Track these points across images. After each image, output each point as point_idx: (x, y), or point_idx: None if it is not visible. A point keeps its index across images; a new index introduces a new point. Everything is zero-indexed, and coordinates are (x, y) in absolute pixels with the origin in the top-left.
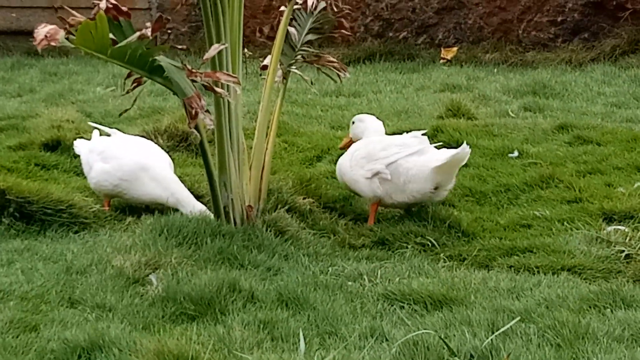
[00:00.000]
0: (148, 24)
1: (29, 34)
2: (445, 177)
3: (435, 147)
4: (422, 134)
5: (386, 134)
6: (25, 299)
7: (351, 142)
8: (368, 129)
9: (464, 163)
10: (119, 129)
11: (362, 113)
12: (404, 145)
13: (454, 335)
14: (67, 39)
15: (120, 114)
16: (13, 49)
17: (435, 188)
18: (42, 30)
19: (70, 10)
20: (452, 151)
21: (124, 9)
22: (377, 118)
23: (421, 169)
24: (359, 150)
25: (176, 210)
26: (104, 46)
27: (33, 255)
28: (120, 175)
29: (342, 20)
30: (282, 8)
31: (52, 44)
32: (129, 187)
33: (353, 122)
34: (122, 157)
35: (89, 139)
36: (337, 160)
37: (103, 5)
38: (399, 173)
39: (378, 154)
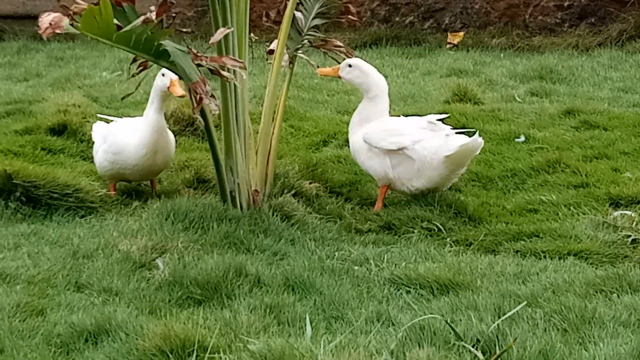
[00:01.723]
0: (152, 8)
1: (36, 18)
2: (457, 166)
3: (455, 131)
4: (440, 119)
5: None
6: (31, 283)
7: (336, 75)
8: (373, 86)
9: (476, 153)
10: (125, 114)
11: None
12: (423, 128)
13: (461, 320)
14: (71, 25)
15: (122, 98)
16: (19, 33)
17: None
18: (47, 19)
19: None
20: (463, 140)
21: None
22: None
23: (434, 156)
24: (379, 125)
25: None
26: (109, 31)
27: (39, 240)
28: (114, 149)
29: (349, 5)
30: None
31: (57, 31)
32: (125, 161)
33: (350, 66)
34: (116, 133)
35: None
36: (344, 144)
37: None
38: (413, 159)
39: (402, 130)
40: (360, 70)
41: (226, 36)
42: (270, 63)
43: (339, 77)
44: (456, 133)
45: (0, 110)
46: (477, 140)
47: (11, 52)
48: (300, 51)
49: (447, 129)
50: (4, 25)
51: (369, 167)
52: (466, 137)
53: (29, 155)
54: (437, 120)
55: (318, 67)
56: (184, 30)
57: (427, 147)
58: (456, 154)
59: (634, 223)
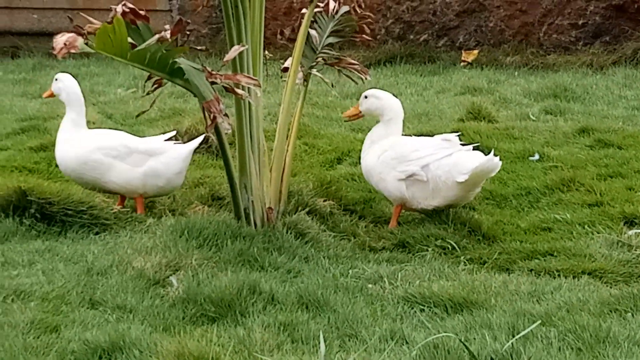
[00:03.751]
0: (167, 27)
1: (51, 35)
2: (473, 186)
3: (472, 148)
4: (456, 136)
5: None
6: (46, 299)
7: (359, 115)
8: (387, 109)
9: (493, 174)
10: (139, 131)
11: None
12: (436, 148)
13: (474, 339)
14: (86, 44)
15: (137, 115)
16: (34, 50)
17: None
18: (61, 39)
19: (87, 17)
20: (478, 162)
21: (142, 12)
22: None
23: (448, 178)
24: (387, 151)
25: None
26: (123, 50)
27: (54, 256)
28: None
29: (363, 24)
30: (304, 10)
31: (72, 51)
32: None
33: (366, 97)
34: None
35: None
36: (358, 161)
37: (119, 9)
38: (428, 179)
39: (410, 155)
40: (375, 96)
41: (241, 54)
42: (285, 81)
43: (361, 113)
44: (473, 149)
45: (15, 127)
46: (493, 160)
47: (26, 68)
48: (314, 69)
49: (462, 147)
50: (19, 42)
51: (382, 189)
52: (481, 156)
53: (43, 172)
54: (452, 137)
55: (333, 85)
56: (199, 48)
57: (441, 167)
58: (471, 177)
59: None
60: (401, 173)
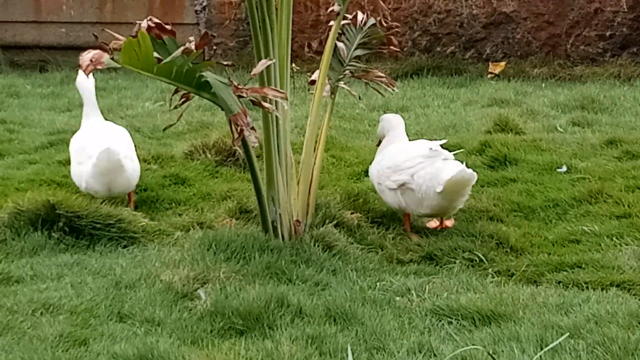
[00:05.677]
0: (191, 38)
1: (79, 49)
2: (454, 195)
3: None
4: (440, 144)
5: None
6: (74, 313)
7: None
8: (386, 122)
9: (472, 184)
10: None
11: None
12: (424, 157)
13: (503, 351)
14: (112, 59)
15: (164, 129)
16: (62, 64)
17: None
18: (87, 56)
19: (113, 33)
20: (452, 173)
21: (168, 27)
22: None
23: (429, 188)
24: (384, 159)
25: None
26: (149, 64)
27: (82, 270)
28: None
29: (391, 36)
30: (331, 23)
31: (98, 67)
32: None
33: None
34: None
35: None
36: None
37: (144, 24)
38: (414, 188)
39: (403, 165)
40: (379, 121)
41: (268, 67)
42: (312, 93)
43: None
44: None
45: (43, 141)
46: (465, 171)
47: (54, 82)
48: (341, 81)
49: (447, 154)
50: (47, 56)
51: (384, 198)
52: (457, 166)
53: (72, 186)
54: (438, 146)
55: (360, 97)
56: (225, 63)
57: (423, 177)
58: (446, 187)
59: None
60: (394, 182)
